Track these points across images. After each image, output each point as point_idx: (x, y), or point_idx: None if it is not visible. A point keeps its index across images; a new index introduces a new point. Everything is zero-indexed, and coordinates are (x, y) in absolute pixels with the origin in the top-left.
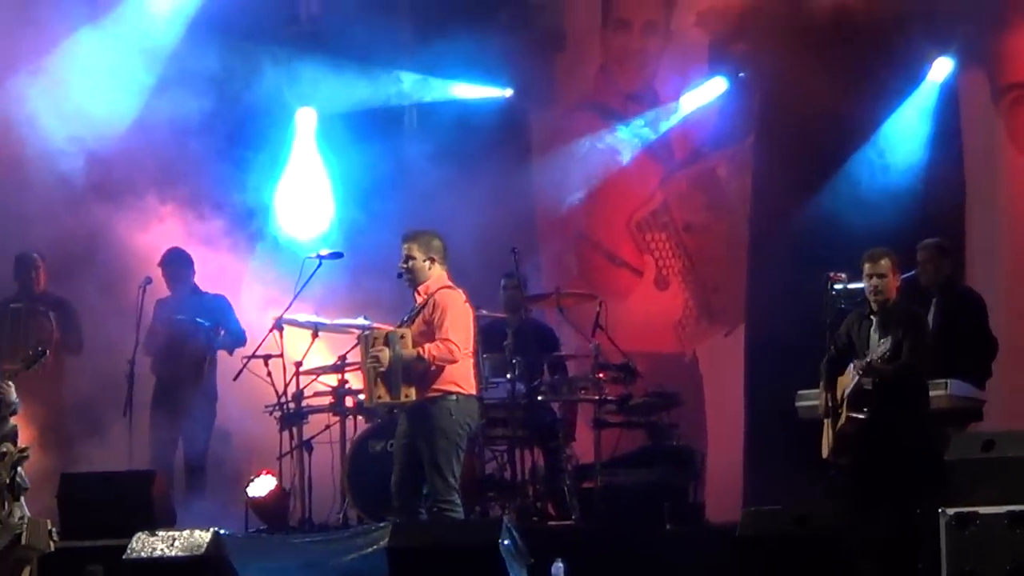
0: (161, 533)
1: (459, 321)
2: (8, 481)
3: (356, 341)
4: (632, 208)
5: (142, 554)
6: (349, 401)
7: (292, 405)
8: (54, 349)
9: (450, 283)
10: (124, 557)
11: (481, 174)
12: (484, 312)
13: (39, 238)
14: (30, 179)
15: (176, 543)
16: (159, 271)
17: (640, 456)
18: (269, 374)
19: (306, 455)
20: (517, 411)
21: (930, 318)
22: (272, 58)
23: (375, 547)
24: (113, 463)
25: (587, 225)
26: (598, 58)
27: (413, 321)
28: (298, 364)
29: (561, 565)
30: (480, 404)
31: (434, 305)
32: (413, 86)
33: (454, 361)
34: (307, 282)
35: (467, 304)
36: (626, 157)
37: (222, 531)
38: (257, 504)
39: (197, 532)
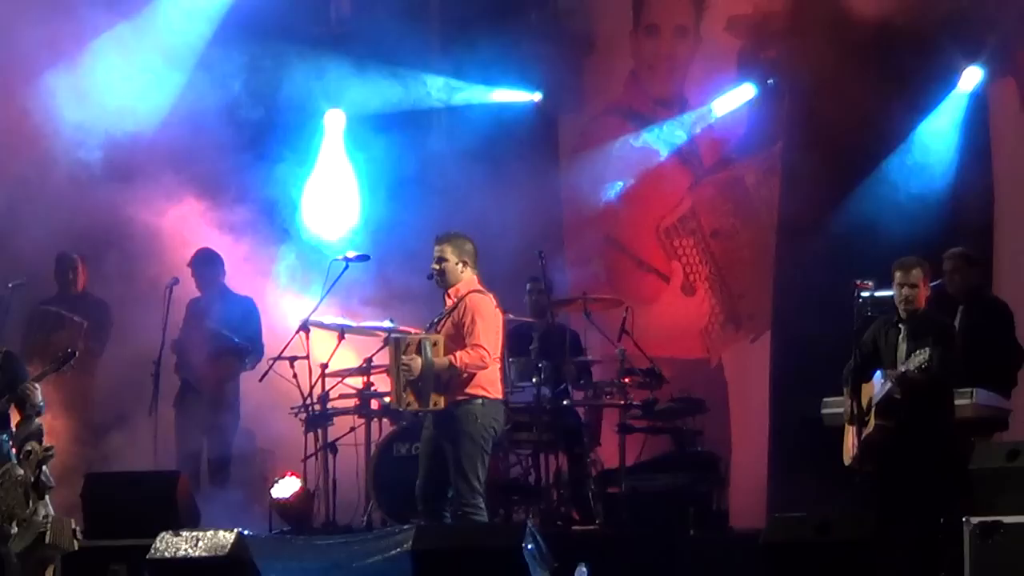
0: (185, 533)
1: (489, 326)
2: (33, 480)
3: (383, 344)
4: (660, 214)
5: (166, 554)
6: (374, 403)
7: (317, 407)
8: (83, 351)
9: (481, 287)
10: (148, 557)
11: (509, 178)
12: (510, 316)
13: (68, 231)
14: (61, 171)
15: (200, 543)
16: (187, 271)
17: (665, 462)
18: (295, 376)
19: (331, 457)
20: (542, 415)
21: (956, 327)
22: (301, 59)
23: (399, 549)
24: (139, 463)
25: (615, 230)
26: (627, 63)
27: (442, 324)
28: (324, 366)
29: (584, 570)
30: (505, 408)
31: (464, 309)
32: (442, 89)
33: (484, 367)
34: (333, 284)
35: (497, 309)
36: (654, 162)
37: (246, 532)
38: (281, 505)
39: (221, 533)
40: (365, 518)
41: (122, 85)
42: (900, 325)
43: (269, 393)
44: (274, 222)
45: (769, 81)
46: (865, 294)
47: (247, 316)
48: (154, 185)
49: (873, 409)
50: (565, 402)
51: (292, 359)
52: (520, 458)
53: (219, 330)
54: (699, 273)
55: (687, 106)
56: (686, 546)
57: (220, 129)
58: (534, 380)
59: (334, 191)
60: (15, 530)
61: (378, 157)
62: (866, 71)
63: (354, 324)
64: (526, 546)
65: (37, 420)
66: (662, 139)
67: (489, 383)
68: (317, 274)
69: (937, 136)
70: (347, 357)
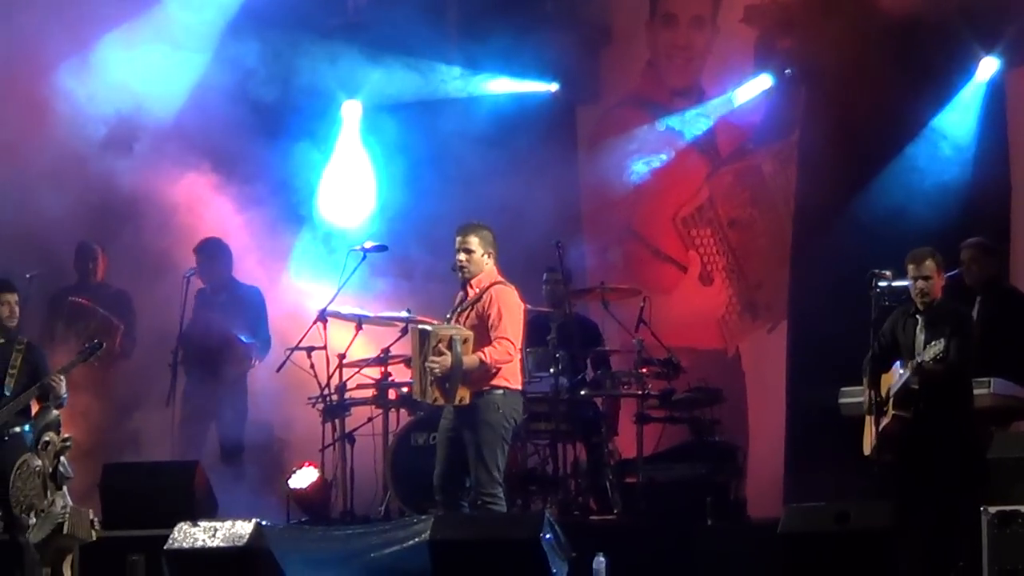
0: (203, 524)
1: (514, 319)
2: (51, 471)
3: (400, 334)
4: (678, 203)
5: (184, 544)
6: (392, 394)
7: (335, 397)
8: (117, 352)
9: (502, 279)
10: (165, 547)
11: (527, 168)
12: (528, 306)
13: (86, 213)
14: (78, 155)
15: (218, 534)
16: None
17: (682, 451)
18: (312, 366)
19: (348, 447)
20: (560, 405)
21: (974, 317)
22: (318, 49)
23: (417, 540)
24: (155, 453)
25: (632, 220)
26: (644, 53)
27: (465, 315)
28: (341, 356)
29: (603, 559)
30: (523, 398)
31: (490, 301)
32: (458, 79)
33: (510, 361)
34: (351, 275)
35: (520, 301)
36: (672, 152)
37: (264, 522)
38: (299, 495)
39: (239, 523)
40: (383, 508)
41: (139, 71)
42: (917, 316)
43: (286, 383)
44: (291, 210)
45: (787, 71)
46: (882, 284)
47: (254, 308)
48: (171, 167)
49: (891, 399)
50: (583, 392)
51: (310, 349)
52: (538, 448)
53: (226, 328)
54: (716, 263)
55: (704, 96)
56: (703, 536)
57: (236, 117)
58: (552, 370)
59: (351, 180)
60: (33, 520)
61: (395, 147)
62: (883, 61)
63: (371, 314)
64: (544, 536)
65: (55, 411)
66: (679, 129)
67: (510, 374)
68: (334, 262)
69: (954, 126)
70: (365, 347)
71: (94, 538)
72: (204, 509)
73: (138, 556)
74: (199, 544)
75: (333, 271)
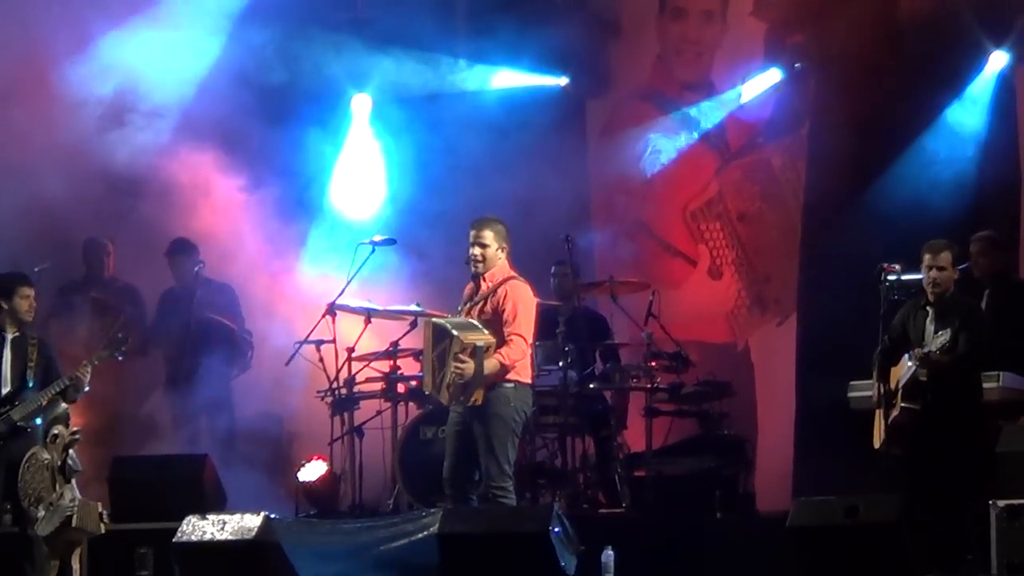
0: (211, 517)
1: (528, 314)
2: (60, 464)
3: (409, 327)
4: (687, 197)
5: (192, 537)
6: (401, 387)
7: (344, 391)
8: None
9: (515, 273)
10: (174, 540)
11: (536, 161)
12: (538, 300)
13: (95, 205)
14: (88, 142)
15: (226, 527)
16: (211, 253)
17: (691, 445)
18: (321, 359)
19: (357, 440)
20: (569, 399)
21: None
22: (328, 43)
23: (425, 533)
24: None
25: (642, 214)
26: (654, 46)
27: (477, 309)
28: (350, 350)
29: (611, 553)
30: (532, 392)
31: (505, 296)
32: (468, 73)
33: (524, 357)
34: (360, 268)
35: (533, 296)
36: (681, 146)
37: (272, 515)
38: (308, 489)
39: (247, 516)
40: (391, 501)
41: (148, 58)
42: (928, 308)
43: (295, 377)
44: (301, 203)
45: (796, 65)
46: (891, 277)
47: (230, 304)
48: (180, 157)
49: (900, 392)
50: (591, 386)
51: (319, 343)
52: (547, 441)
53: (226, 324)
54: (726, 257)
55: (714, 90)
56: (712, 529)
57: (245, 110)
58: (560, 364)
59: (361, 173)
60: (42, 513)
61: (404, 140)
62: (892, 56)
63: (381, 308)
64: (553, 529)
65: (63, 404)
66: (689, 123)
67: (521, 368)
68: (344, 255)
69: (964, 120)
70: (373, 340)
71: (102, 531)
72: (213, 502)
73: (146, 549)
74: (208, 537)
75: (342, 264)
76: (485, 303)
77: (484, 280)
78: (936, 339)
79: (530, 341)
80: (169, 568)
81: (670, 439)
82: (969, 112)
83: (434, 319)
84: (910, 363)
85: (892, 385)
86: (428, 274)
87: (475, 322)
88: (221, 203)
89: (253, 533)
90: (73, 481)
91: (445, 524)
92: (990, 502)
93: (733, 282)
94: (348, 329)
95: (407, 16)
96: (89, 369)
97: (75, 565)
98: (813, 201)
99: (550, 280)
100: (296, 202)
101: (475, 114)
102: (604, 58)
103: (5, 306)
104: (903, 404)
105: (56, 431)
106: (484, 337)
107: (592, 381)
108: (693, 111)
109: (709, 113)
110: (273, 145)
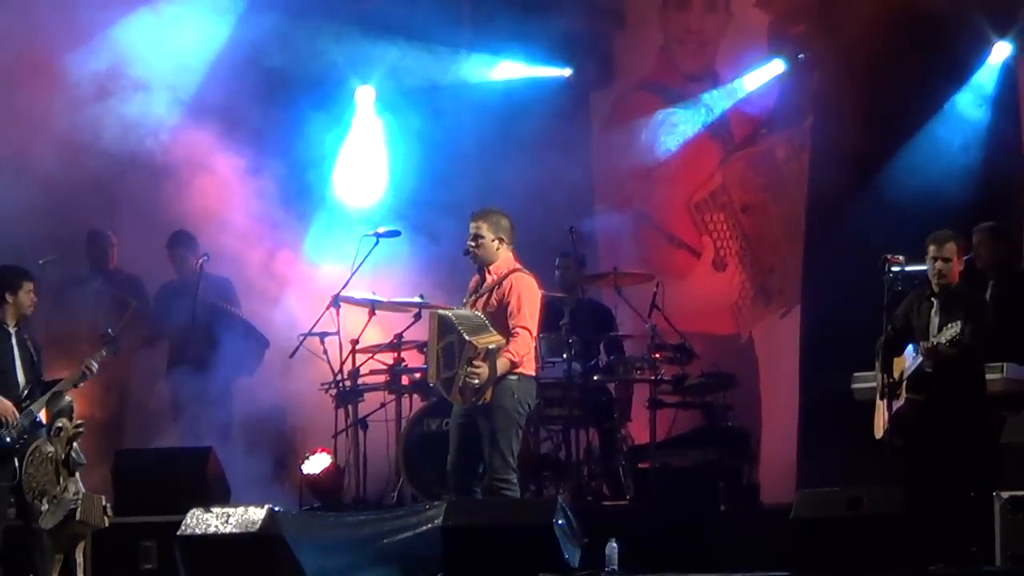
0: (215, 510)
1: (533, 307)
2: (64, 457)
3: (413, 319)
4: (691, 189)
5: (196, 530)
6: (405, 379)
7: (348, 383)
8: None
9: (520, 265)
10: (178, 533)
11: (540, 153)
12: (542, 291)
13: (97, 194)
14: (90, 126)
15: (230, 520)
16: (215, 243)
17: (695, 437)
18: (325, 352)
19: (361, 433)
20: (573, 391)
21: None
22: (331, 32)
23: (429, 525)
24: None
25: (646, 205)
26: (658, 38)
27: (482, 301)
28: (354, 342)
29: (615, 545)
30: (537, 384)
31: (510, 288)
32: (472, 64)
33: (529, 351)
34: (364, 260)
35: (538, 289)
36: (685, 138)
37: (276, 508)
38: (312, 481)
39: (251, 509)
40: (395, 494)
41: (150, 43)
42: (932, 299)
43: (299, 369)
44: (305, 191)
45: (800, 56)
46: (895, 268)
47: (228, 299)
48: (186, 146)
49: (904, 383)
50: (596, 377)
51: (323, 335)
52: (551, 433)
53: (222, 307)
54: (730, 248)
55: (717, 81)
56: (716, 521)
57: (249, 101)
58: (565, 356)
59: (365, 163)
60: (46, 507)
61: (408, 131)
62: (896, 47)
63: (385, 300)
64: (557, 521)
65: (67, 397)
66: (693, 114)
67: (526, 360)
68: (348, 246)
69: (968, 110)
70: (378, 332)
71: (106, 524)
72: (217, 495)
73: (150, 542)
74: (212, 530)
75: (346, 255)
76: (490, 295)
77: (489, 272)
78: (945, 331)
79: (535, 333)
80: (173, 561)
81: (674, 431)
82: (973, 102)
83: (440, 312)
84: (915, 355)
85: (896, 376)
86: (432, 265)
87: (481, 318)
88: (223, 193)
89: (257, 526)
90: (77, 474)
91: (449, 517)
92: (994, 493)
93: (737, 273)
94: (352, 321)
95: (411, 6)
96: (96, 364)
97: (79, 559)
98: (817, 192)
99: (554, 272)
100: (300, 193)
101: (479, 105)
102: (608, 49)
103: (10, 300)
104: (908, 395)
105: (60, 424)
106: (495, 339)
107: (596, 373)
108: (697, 102)
109: (713, 104)
110: (277, 135)
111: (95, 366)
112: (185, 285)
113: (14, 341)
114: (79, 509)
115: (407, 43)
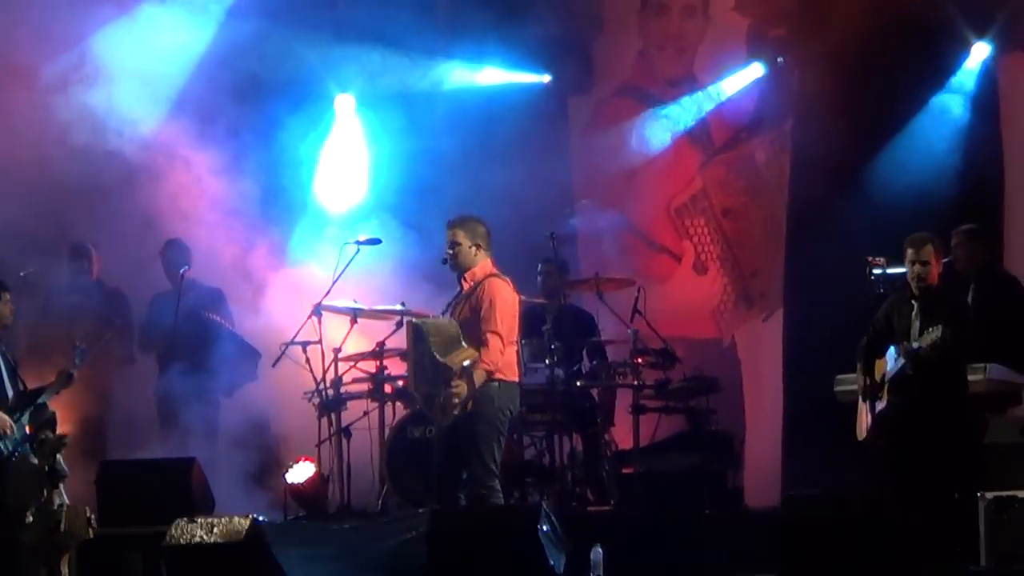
0: (200, 520)
1: (507, 312)
2: (47, 468)
3: (395, 327)
4: (671, 193)
5: (181, 540)
6: (388, 387)
7: (331, 392)
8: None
9: (496, 271)
10: (163, 544)
11: (520, 159)
12: (523, 297)
13: (79, 202)
14: (72, 139)
15: (215, 529)
16: (184, 257)
17: (679, 441)
18: (307, 360)
19: (345, 441)
20: (556, 396)
21: (969, 303)
22: (310, 43)
23: (414, 533)
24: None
25: (626, 210)
26: (636, 43)
27: (459, 308)
28: (337, 350)
29: (600, 550)
30: (520, 390)
31: (483, 294)
32: (450, 71)
33: (501, 356)
34: (345, 268)
35: (514, 294)
36: (665, 142)
37: (261, 518)
38: (296, 491)
39: (236, 519)
40: (380, 502)
41: (143, 55)
42: (913, 301)
43: (282, 378)
44: (286, 200)
45: (779, 59)
46: (877, 271)
47: (218, 309)
48: (164, 156)
49: (886, 385)
50: (578, 383)
51: (305, 344)
52: (534, 439)
53: (209, 317)
54: (711, 252)
55: (697, 85)
56: (701, 525)
57: (228, 110)
58: (547, 361)
59: (345, 170)
60: (30, 519)
61: (387, 138)
62: (875, 48)
63: (366, 308)
64: (541, 528)
65: (50, 408)
66: (672, 118)
67: (505, 365)
68: (328, 254)
69: (947, 111)
70: (360, 341)
71: (91, 535)
72: (201, 505)
73: (135, 553)
74: (196, 540)
75: (326, 262)
76: (466, 302)
77: (465, 280)
78: (927, 335)
79: (509, 339)
80: (158, 572)
81: (658, 436)
82: (953, 104)
83: (414, 321)
84: (896, 357)
85: (877, 377)
86: (414, 273)
87: (455, 328)
88: (201, 199)
89: (242, 535)
90: (61, 486)
91: (433, 524)
92: (979, 494)
93: (719, 278)
94: (334, 330)
95: (388, 14)
96: (75, 372)
97: (64, 570)
98: (798, 195)
99: (537, 278)
100: (280, 201)
101: (457, 112)
102: (587, 54)
103: None
104: (890, 398)
105: (43, 436)
106: (467, 354)
107: (579, 378)
108: (676, 107)
109: (692, 109)
110: (257, 144)
111: (74, 374)
112: (174, 295)
113: None
114: (63, 521)
115: (386, 50)
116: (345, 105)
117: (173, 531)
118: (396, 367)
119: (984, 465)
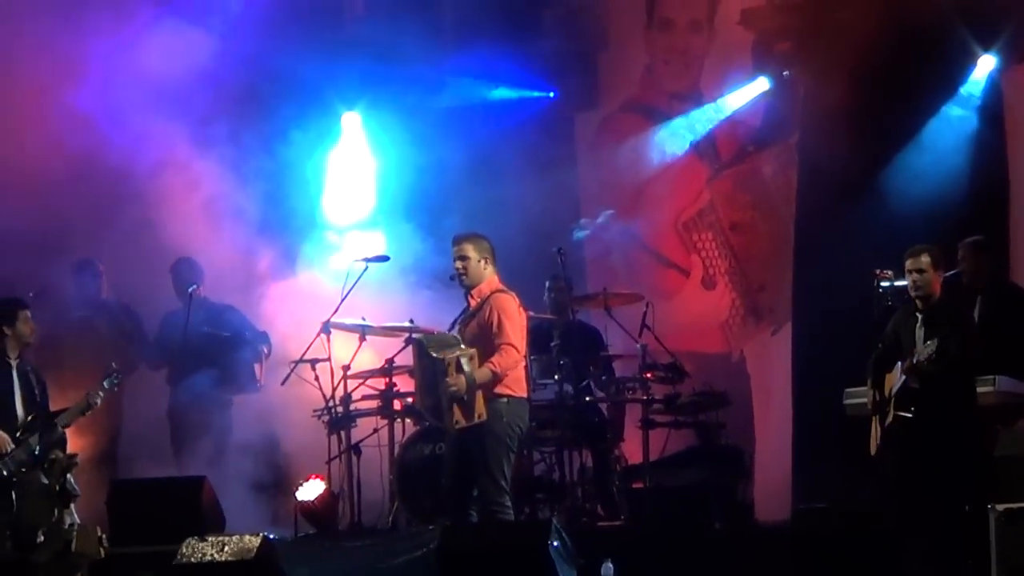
0: (211, 538)
1: (516, 325)
2: (58, 488)
3: (404, 344)
4: (679, 208)
5: (192, 559)
6: (397, 404)
7: (340, 409)
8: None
9: (502, 286)
10: (174, 563)
11: (526, 175)
12: (531, 313)
13: (79, 209)
14: (70, 151)
15: (226, 548)
16: (202, 274)
17: (688, 456)
18: (317, 378)
19: (355, 459)
20: (565, 412)
21: (976, 316)
22: (316, 61)
23: (424, 550)
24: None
25: (634, 225)
26: (642, 58)
27: (467, 324)
28: (346, 368)
29: (611, 566)
30: (529, 406)
31: (491, 309)
32: (456, 88)
33: (516, 366)
34: (353, 286)
35: (520, 307)
36: (672, 157)
37: (271, 536)
38: (306, 508)
39: (247, 537)
40: (390, 519)
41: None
42: (917, 314)
43: (291, 396)
44: (294, 217)
45: (785, 73)
46: (885, 283)
47: (235, 315)
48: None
49: (893, 399)
50: (587, 398)
51: (314, 361)
52: (544, 455)
53: (212, 332)
54: (719, 267)
55: (703, 100)
56: (711, 540)
57: (235, 127)
58: (556, 377)
59: (352, 188)
60: (41, 539)
61: (394, 155)
62: (881, 62)
63: (375, 325)
64: (552, 544)
65: (60, 428)
66: (679, 134)
67: (514, 381)
68: (337, 272)
69: (953, 124)
70: (369, 358)
71: (102, 555)
72: (212, 524)
73: (146, 572)
74: (207, 559)
75: (335, 280)
76: (473, 319)
77: (472, 296)
78: (924, 349)
79: (521, 350)
80: None
81: (667, 450)
82: (958, 116)
83: (416, 336)
84: (902, 371)
85: (886, 392)
86: (422, 289)
87: (456, 338)
88: (211, 220)
89: (252, 554)
90: (72, 506)
91: (444, 541)
92: (989, 506)
93: (727, 292)
94: (343, 347)
95: (395, 32)
96: (100, 394)
97: None
98: (805, 209)
99: (545, 294)
100: (288, 219)
101: (464, 129)
102: (592, 70)
103: (8, 332)
104: (896, 412)
105: (53, 456)
106: (464, 350)
107: (588, 394)
108: (682, 121)
109: (698, 123)
110: (264, 161)
111: (99, 399)
112: (191, 312)
113: (15, 373)
114: (75, 541)
115: (392, 68)
116: (352, 123)
117: (184, 550)
118: (405, 384)
119: (994, 477)
